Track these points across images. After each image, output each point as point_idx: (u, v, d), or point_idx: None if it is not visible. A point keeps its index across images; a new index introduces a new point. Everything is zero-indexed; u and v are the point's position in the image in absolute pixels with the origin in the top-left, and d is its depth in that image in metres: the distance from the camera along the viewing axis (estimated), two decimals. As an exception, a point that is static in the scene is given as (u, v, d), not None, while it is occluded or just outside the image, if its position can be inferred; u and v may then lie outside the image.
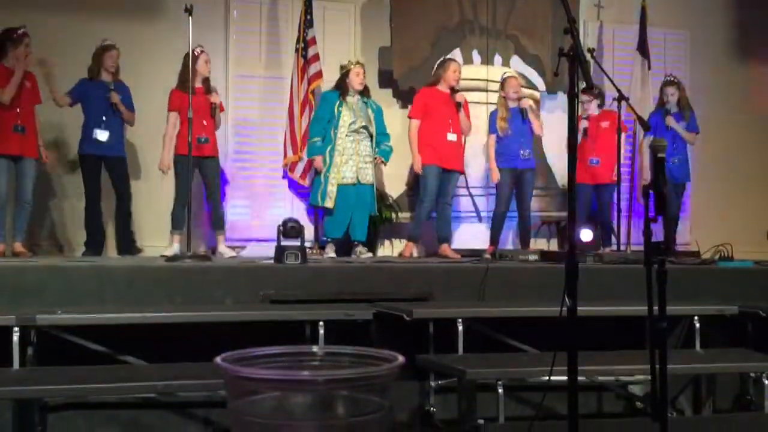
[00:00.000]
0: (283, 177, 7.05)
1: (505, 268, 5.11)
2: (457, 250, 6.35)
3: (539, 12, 7.61)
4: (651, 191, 2.73)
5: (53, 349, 3.75)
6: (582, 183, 6.62)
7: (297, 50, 6.95)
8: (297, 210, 6.96)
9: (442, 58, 6.72)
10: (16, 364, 3.57)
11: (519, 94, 6.57)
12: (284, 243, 5.01)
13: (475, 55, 7.54)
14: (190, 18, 5.14)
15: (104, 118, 5.98)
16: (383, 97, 7.13)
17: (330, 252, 6.18)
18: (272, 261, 5.00)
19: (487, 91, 7.30)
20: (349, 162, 6.14)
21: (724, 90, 8.51)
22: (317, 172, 6.28)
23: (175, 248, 5.87)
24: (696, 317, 4.49)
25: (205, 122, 6.02)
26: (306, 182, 6.84)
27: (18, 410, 3.45)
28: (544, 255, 5.73)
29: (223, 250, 6.15)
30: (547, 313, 3.97)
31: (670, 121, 6.85)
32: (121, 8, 6.81)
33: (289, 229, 5.06)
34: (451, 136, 6.28)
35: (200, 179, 6.19)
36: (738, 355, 4.26)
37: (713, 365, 4.16)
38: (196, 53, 5.98)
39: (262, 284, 4.43)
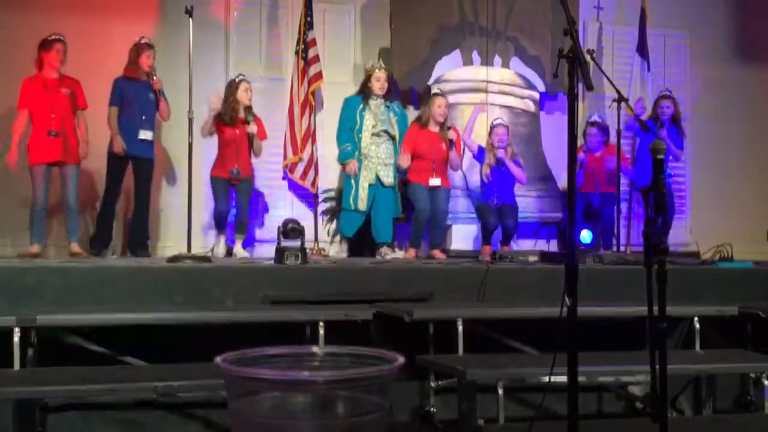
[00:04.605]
0: (283, 178, 7.05)
1: (505, 269, 5.11)
2: (456, 251, 6.35)
3: (539, 13, 7.59)
4: (651, 193, 2.75)
5: (53, 350, 3.75)
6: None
7: (297, 52, 6.96)
8: (297, 211, 6.97)
9: (431, 92, 6.57)
10: (16, 365, 3.58)
11: (501, 143, 6.44)
12: (284, 244, 5.02)
13: (475, 56, 7.54)
14: (191, 19, 5.13)
15: (144, 117, 5.97)
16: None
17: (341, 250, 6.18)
18: (272, 262, 5.00)
19: (486, 92, 7.29)
20: (369, 165, 6.23)
21: (724, 90, 8.51)
22: (347, 177, 6.33)
23: (221, 247, 6.22)
24: (696, 318, 4.49)
25: (240, 153, 6.13)
26: (306, 183, 6.86)
27: (18, 410, 3.45)
28: (544, 256, 5.73)
29: (239, 252, 6.23)
30: (547, 314, 3.97)
31: (664, 135, 6.82)
32: (121, 9, 6.81)
33: (290, 229, 5.07)
34: (434, 181, 6.20)
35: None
36: (738, 356, 4.27)
37: (713, 366, 4.16)
38: (236, 81, 6.07)
39: (263, 285, 4.43)
